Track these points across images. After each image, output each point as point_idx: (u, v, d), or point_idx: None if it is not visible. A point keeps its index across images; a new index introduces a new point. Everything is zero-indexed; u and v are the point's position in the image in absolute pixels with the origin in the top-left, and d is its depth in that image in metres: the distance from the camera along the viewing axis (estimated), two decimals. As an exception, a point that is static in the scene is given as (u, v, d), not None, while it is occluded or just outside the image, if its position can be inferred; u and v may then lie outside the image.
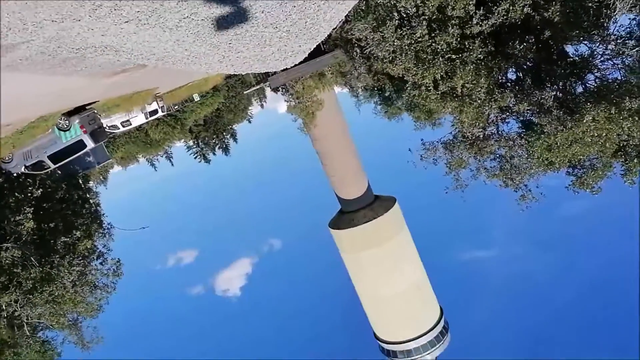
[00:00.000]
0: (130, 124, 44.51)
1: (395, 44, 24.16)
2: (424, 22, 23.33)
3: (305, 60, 30.74)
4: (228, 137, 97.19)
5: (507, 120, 28.60)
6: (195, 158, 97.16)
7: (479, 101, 24.37)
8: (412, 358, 47.65)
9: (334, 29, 29.92)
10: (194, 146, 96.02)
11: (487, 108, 24.87)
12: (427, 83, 24.97)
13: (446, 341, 48.09)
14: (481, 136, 27.35)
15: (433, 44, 23.39)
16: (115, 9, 11.28)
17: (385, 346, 49.33)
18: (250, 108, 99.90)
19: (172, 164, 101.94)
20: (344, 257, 48.18)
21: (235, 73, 15.57)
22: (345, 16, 26.05)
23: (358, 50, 32.17)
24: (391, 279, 46.58)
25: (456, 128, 28.77)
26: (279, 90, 46.53)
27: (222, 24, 12.71)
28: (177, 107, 61.27)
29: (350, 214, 46.67)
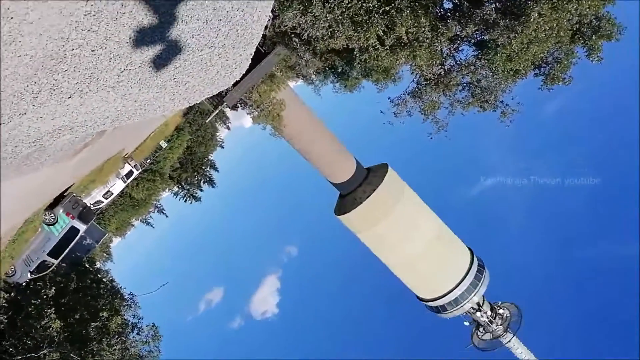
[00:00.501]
0: (112, 194, 44.31)
1: (328, 18, 24.12)
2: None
3: (251, 67, 30.63)
4: (208, 169, 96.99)
5: (460, 49, 28.73)
6: (185, 201, 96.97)
7: (427, 41, 24.43)
8: (461, 305, 47.96)
9: (265, 27, 29.81)
10: (180, 191, 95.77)
11: (437, 44, 24.95)
12: (372, 43, 24.97)
13: (486, 277, 48.43)
14: (442, 72, 27.46)
15: (364, 4, 23.37)
16: (54, 89, 11.20)
17: (432, 304, 49.63)
18: (217, 134, 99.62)
19: (167, 216, 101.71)
20: (361, 237, 48.26)
21: (191, 105, 15.49)
22: (272, 11, 25.98)
23: (296, 40, 32.07)
24: (412, 239, 46.75)
25: (416, 74, 28.85)
26: (237, 107, 46.22)
27: (160, 63, 12.65)
28: (149, 160, 60.98)
29: (350, 195, 46.72)
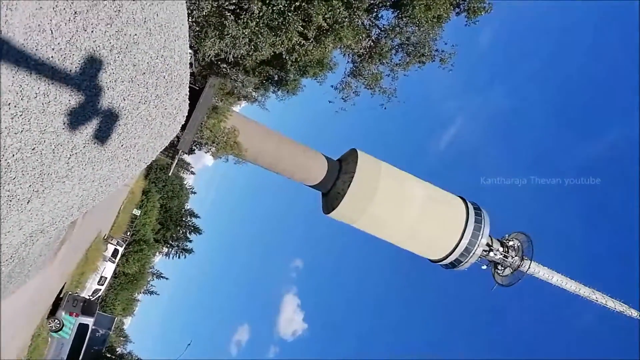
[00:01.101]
0: (106, 278, 43.52)
1: (246, 33, 24.14)
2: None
3: (192, 107, 30.43)
4: (189, 219, 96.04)
5: (380, 16, 29.02)
6: (179, 258, 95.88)
7: (346, 20, 24.62)
8: (473, 252, 48.40)
9: (190, 65, 29.64)
10: (170, 250, 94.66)
11: (357, 19, 25.16)
12: (296, 41, 25.06)
13: (486, 218, 48.94)
14: (372, 44, 27.70)
15: (274, 8, 23.44)
16: (10, 200, 10.95)
17: (446, 262, 50.00)
18: (185, 183, 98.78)
19: (167, 278, 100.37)
20: (358, 226, 48.33)
21: (148, 164, 15.32)
22: (191, 47, 25.86)
23: (224, 65, 32.04)
24: (405, 208, 46.99)
25: (349, 55, 29.05)
26: (194, 149, 45.95)
27: (103, 136, 12.48)
28: (129, 233, 60.08)
29: (332, 190, 46.79)
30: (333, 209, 46.38)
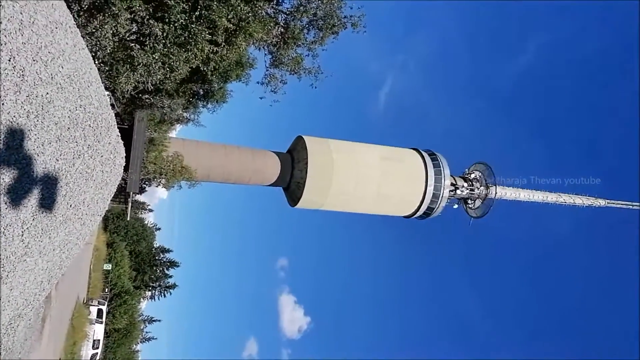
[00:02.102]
0: (99, 340, 42.49)
1: (156, 58, 23.72)
2: (152, 22, 22.90)
3: (128, 147, 29.80)
4: (162, 256, 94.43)
5: (281, 1, 28.99)
6: (164, 297, 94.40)
7: (249, 15, 24.51)
8: (441, 196, 49.58)
9: (112, 106, 28.95)
10: (153, 292, 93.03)
11: (259, 11, 25.07)
12: (209, 50, 24.80)
13: (443, 161, 50.16)
14: (282, 30, 27.70)
15: (175, 24, 23.08)
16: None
17: (419, 213, 51.12)
18: (146, 222, 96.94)
19: (159, 320, 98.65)
20: (327, 207, 48.73)
21: (102, 216, 15.01)
22: (106, 89, 25.22)
23: (146, 96, 31.42)
24: (366, 175, 47.64)
25: (263, 47, 28.97)
26: (144, 187, 45.10)
27: (48, 202, 12.14)
28: (107, 289, 58.64)
29: (292, 182, 46.95)
30: (299, 199, 46.57)
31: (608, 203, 53.87)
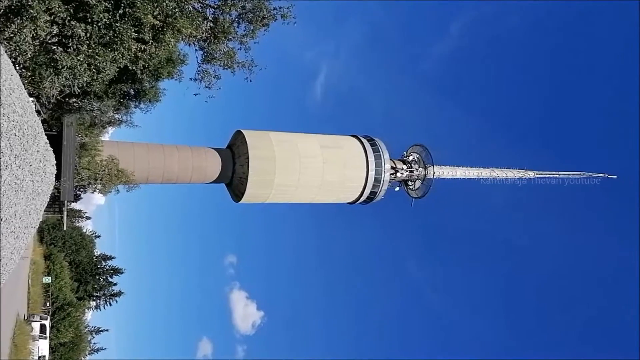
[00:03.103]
0: (44, 356, 40.87)
1: (81, 59, 22.86)
2: (74, 23, 22.02)
3: (59, 154, 28.64)
4: (104, 264, 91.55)
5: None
6: (110, 305, 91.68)
7: (176, 11, 24.05)
8: (382, 180, 50.63)
9: (38, 112, 27.69)
10: (97, 301, 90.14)
11: (187, 6, 24.62)
12: (137, 48, 24.13)
13: (381, 145, 51.17)
14: (211, 24, 27.33)
15: (98, 24, 22.30)
16: None
17: (363, 199, 52.02)
18: (85, 231, 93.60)
19: (107, 330, 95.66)
20: (272, 200, 48.72)
21: (36, 227, 14.42)
22: (31, 95, 24.08)
23: (73, 99, 30.34)
24: (307, 165, 47.92)
25: (194, 42, 28.48)
26: (79, 194, 43.49)
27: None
28: (48, 303, 56.30)
29: (234, 177, 46.54)
30: (242, 194, 46.24)
31: (537, 174, 56.81)
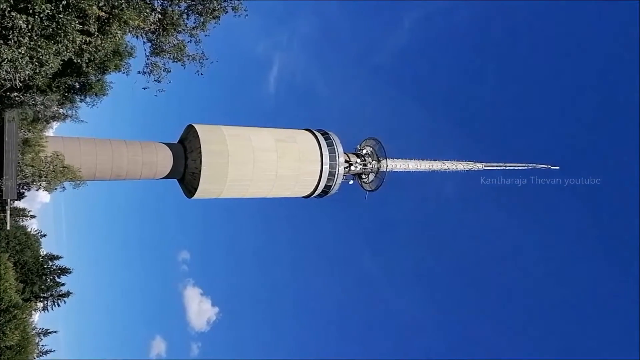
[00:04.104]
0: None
1: (23, 52, 21.97)
2: (14, 14, 21.10)
3: (0, 150, 27.47)
4: (50, 264, 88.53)
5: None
6: (58, 307, 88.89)
7: (123, 2, 23.39)
8: (337, 173, 51.07)
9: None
10: (44, 303, 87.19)
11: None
12: (81, 40, 23.33)
13: (335, 139, 51.58)
14: (159, 17, 26.77)
15: (41, 15, 21.44)
16: None
17: (317, 192, 52.33)
18: (29, 230, 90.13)
19: (56, 331, 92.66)
20: (226, 195, 48.33)
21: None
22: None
23: (15, 94, 29.21)
24: (262, 159, 47.81)
25: (142, 35, 27.82)
26: (23, 192, 41.88)
27: None
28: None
29: (186, 173, 45.85)
30: (195, 190, 45.60)
31: (485, 166, 58.71)
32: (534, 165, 59.65)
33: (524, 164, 59.64)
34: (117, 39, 25.24)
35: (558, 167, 60.63)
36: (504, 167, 59.36)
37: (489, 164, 58.89)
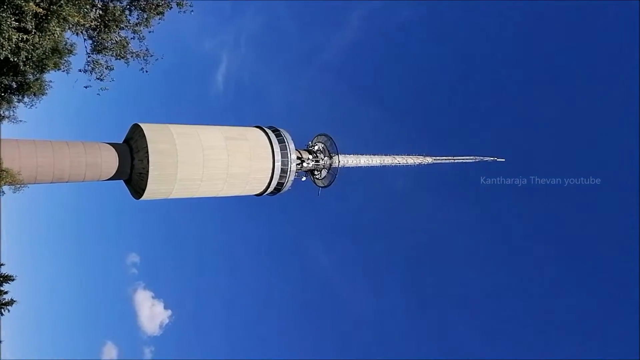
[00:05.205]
0: None
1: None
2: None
3: None
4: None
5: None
6: (2, 315, 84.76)
7: (62, -2, 22.47)
8: (289, 170, 50.91)
9: None
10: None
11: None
12: (17, 39, 22.26)
13: (287, 136, 51.37)
14: (101, 12, 25.86)
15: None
16: None
17: (270, 190, 52.00)
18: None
19: (0, 341, 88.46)
20: (175, 195, 47.29)
21: None
22: None
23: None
24: (212, 157, 47.08)
25: (82, 31, 26.79)
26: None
27: None
28: None
29: (133, 173, 44.50)
30: (143, 191, 44.29)
31: (434, 160, 60.05)
32: (481, 158, 61.51)
33: (471, 157, 61.40)
34: (56, 36, 24.22)
35: (504, 159, 62.77)
36: (453, 161, 60.90)
37: (438, 158, 60.27)
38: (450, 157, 60.96)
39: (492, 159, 61.80)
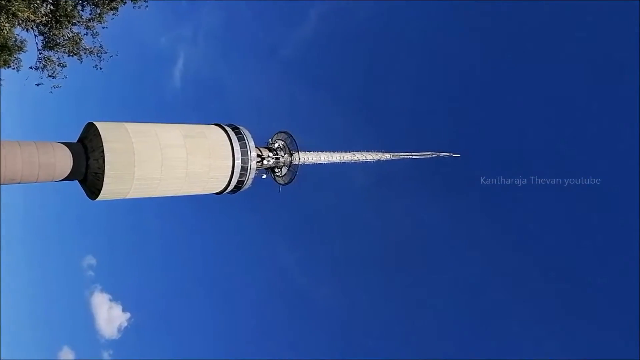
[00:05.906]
0: None
1: None
2: None
3: None
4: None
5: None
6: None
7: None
8: (249, 168, 50.74)
9: None
10: None
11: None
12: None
13: (246, 133, 51.16)
14: (52, 8, 25.17)
15: None
16: None
17: (230, 188, 51.72)
18: None
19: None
20: (132, 195, 46.37)
21: None
22: None
23: None
24: (170, 156, 46.43)
25: (32, 27, 26.00)
26: None
27: None
28: None
29: (88, 173, 43.39)
30: (99, 191, 43.25)
31: (393, 156, 61.08)
32: (437, 153, 62.96)
33: (428, 153, 62.76)
34: (5, 32, 23.50)
35: (459, 155, 64.42)
36: (410, 157, 62.05)
37: (396, 154, 61.31)
38: (408, 153, 62.14)
39: (447, 154, 63.39)
